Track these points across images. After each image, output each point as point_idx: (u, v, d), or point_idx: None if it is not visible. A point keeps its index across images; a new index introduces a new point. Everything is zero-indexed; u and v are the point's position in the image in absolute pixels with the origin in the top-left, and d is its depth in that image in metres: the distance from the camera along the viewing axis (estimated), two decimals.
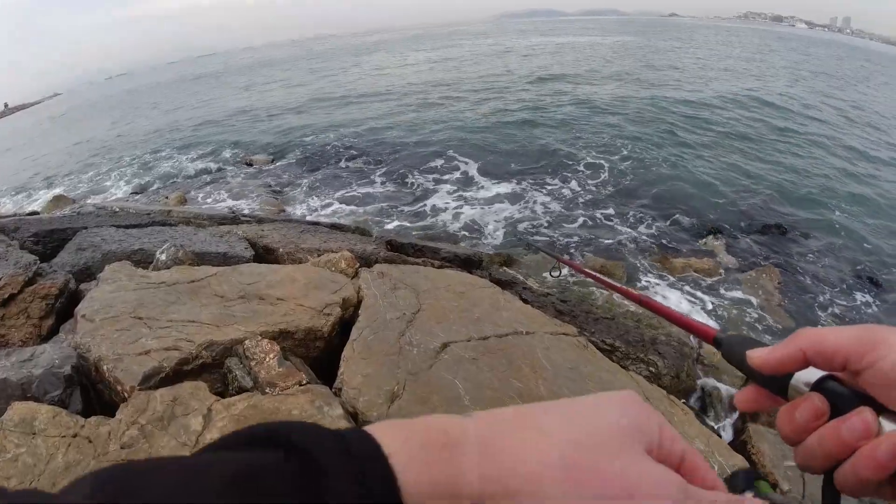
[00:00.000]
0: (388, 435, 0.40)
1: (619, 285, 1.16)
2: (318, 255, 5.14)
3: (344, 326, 3.50)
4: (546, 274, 7.05)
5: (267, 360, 2.45)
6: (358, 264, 4.75)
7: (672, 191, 11.46)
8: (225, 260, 4.46)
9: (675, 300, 7.51)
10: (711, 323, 7.13)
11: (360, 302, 3.82)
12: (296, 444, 0.38)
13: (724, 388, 5.35)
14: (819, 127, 17.98)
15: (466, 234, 9.81)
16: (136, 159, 17.92)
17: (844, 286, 8.40)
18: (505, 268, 6.83)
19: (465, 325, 3.70)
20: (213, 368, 2.55)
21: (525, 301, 4.84)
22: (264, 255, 5.24)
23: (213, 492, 0.33)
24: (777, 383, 0.54)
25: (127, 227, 5.38)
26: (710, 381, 5.54)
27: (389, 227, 10.11)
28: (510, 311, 4.13)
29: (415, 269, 4.72)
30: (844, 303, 8.02)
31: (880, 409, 0.46)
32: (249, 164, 15.20)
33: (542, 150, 14.66)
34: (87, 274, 4.05)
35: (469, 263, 6.36)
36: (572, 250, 8.84)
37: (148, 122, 26.48)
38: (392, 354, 2.99)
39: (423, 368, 2.95)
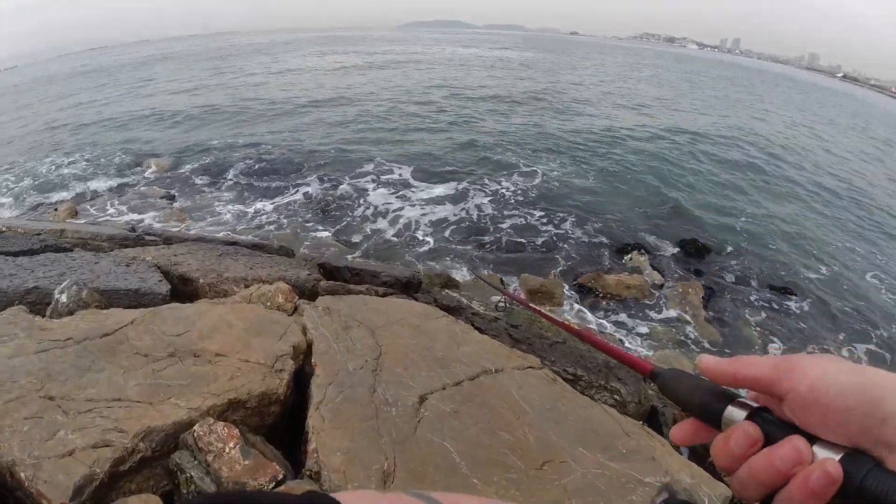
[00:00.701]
0: None
1: (561, 321, 1.12)
2: (246, 286, 4.55)
3: (294, 376, 3.02)
4: (494, 297, 6.81)
5: (227, 450, 1.93)
6: (296, 297, 4.23)
7: (592, 207, 11.68)
8: (137, 298, 3.79)
9: (611, 320, 7.55)
10: (643, 352, 7.23)
11: (309, 346, 3.34)
12: None
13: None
14: (719, 146, 19.07)
15: (401, 247, 9.47)
16: (18, 165, 15.88)
17: (759, 295, 8.87)
18: (447, 290, 6.47)
19: (433, 367, 3.35)
20: (155, 461, 1.99)
21: (480, 330, 4.55)
22: (181, 286, 4.56)
23: None
24: (711, 415, 0.55)
25: (16, 254, 4.54)
26: (658, 404, 5.52)
27: (318, 237, 9.55)
28: (470, 345, 3.84)
29: (362, 301, 4.25)
30: (763, 311, 8.46)
31: (812, 439, 0.47)
32: (148, 171, 13.87)
33: (471, 161, 14.59)
34: None
35: (409, 286, 5.99)
36: (511, 267, 8.70)
37: (33, 122, 23.80)
38: (369, 419, 2.54)
39: (408, 434, 2.53)
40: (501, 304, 4.37)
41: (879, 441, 0.44)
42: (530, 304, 1.67)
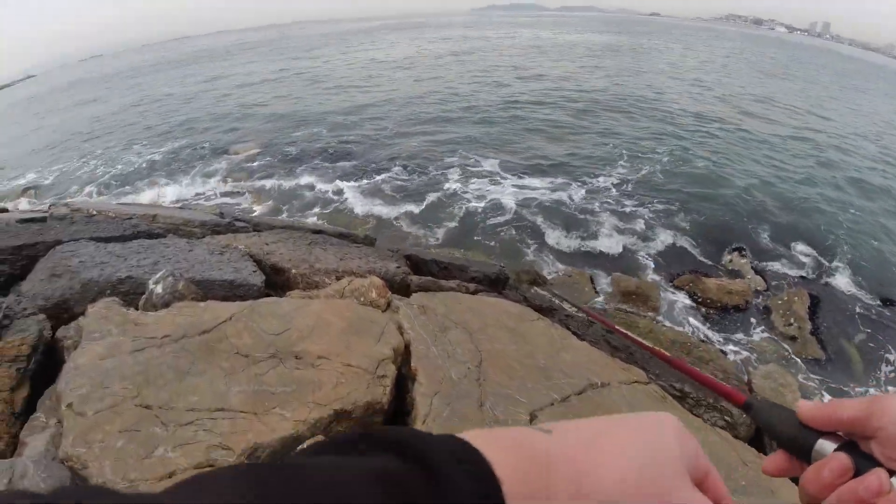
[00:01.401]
0: (487, 447, 0.42)
1: (649, 345, 1.06)
2: (338, 278, 4.42)
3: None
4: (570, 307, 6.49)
5: None
6: (388, 292, 4.04)
7: (690, 205, 10.93)
8: (233, 289, 3.69)
9: (712, 328, 7.05)
10: (748, 354, 6.66)
11: (406, 346, 3.14)
12: (415, 453, 0.39)
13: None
14: (825, 144, 17.63)
15: (486, 238, 9.27)
16: (109, 150, 16.71)
17: (869, 306, 8.14)
18: (536, 287, 6.17)
19: (537, 378, 3.12)
20: None
21: (577, 335, 4.26)
22: (273, 276, 4.48)
23: (363, 492, 0.34)
24: (802, 448, 0.57)
25: (107, 239, 4.55)
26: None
27: (402, 224, 9.53)
28: (571, 353, 3.60)
29: (455, 300, 4.04)
30: (872, 324, 7.78)
31: (893, 473, 0.50)
32: (234, 157, 14.20)
33: (561, 153, 14.09)
34: (64, 309, 3.24)
35: (497, 282, 5.76)
36: (603, 265, 8.27)
37: (123, 109, 25.06)
38: None
39: None
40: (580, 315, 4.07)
41: None
42: (616, 327, 1.41)
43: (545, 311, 5.10)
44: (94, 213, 6.62)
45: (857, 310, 7.99)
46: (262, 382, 2.21)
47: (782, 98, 25.48)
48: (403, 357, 3.07)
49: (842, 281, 8.64)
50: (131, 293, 3.46)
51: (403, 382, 2.92)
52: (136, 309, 3.22)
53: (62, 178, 14.33)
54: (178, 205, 10.03)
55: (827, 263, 9.08)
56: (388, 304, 3.87)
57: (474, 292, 4.86)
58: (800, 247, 9.36)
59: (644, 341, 1.11)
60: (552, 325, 4.03)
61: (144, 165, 14.41)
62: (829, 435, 0.55)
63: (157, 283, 3.34)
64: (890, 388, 6.69)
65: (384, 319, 3.33)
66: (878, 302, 8.23)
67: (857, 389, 6.52)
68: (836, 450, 0.54)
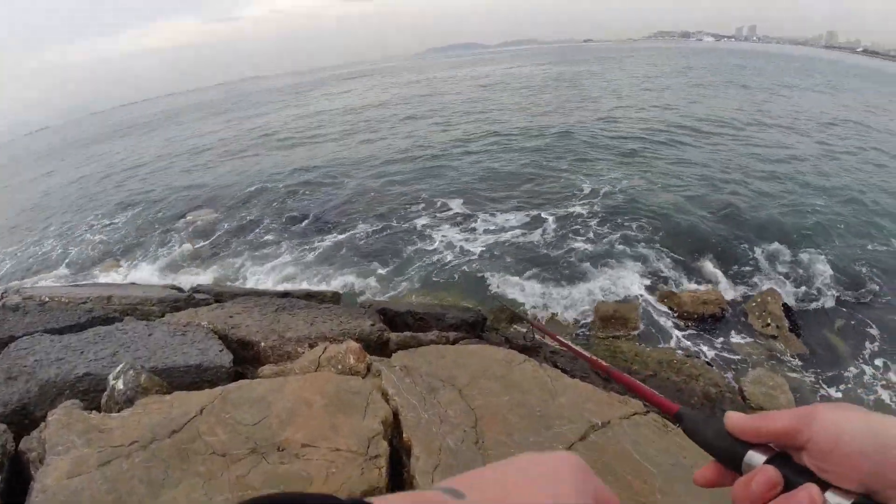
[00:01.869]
0: None
1: (589, 355, 1.04)
2: (311, 346, 4.20)
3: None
4: (519, 327, 6.37)
5: None
6: (367, 356, 3.84)
7: (656, 221, 11.02)
8: (200, 374, 3.45)
9: (693, 340, 7.04)
10: (735, 358, 6.64)
11: (394, 414, 2.96)
12: None
13: None
14: (771, 142, 18.29)
15: (457, 280, 9.12)
16: (63, 226, 16.20)
17: (841, 295, 8.28)
18: (515, 326, 6.05)
19: (537, 429, 3.01)
20: None
21: (566, 372, 4.17)
22: (241, 351, 4.22)
23: None
24: (733, 459, 0.57)
25: (62, 330, 4.27)
26: None
27: (370, 277, 9.30)
28: (566, 395, 3.50)
29: (438, 354, 3.88)
30: (847, 312, 7.87)
31: (825, 486, 0.49)
32: (190, 224, 13.83)
33: (520, 184, 14.16)
34: (24, 415, 3.00)
35: (476, 326, 5.64)
36: (578, 292, 8.22)
37: (74, 181, 24.46)
38: None
39: None
40: (529, 336, 3.98)
41: (888, 485, 0.47)
42: (557, 337, 1.50)
43: (530, 350, 4.99)
44: (47, 299, 6.24)
45: (831, 296, 8.14)
46: (246, 486, 2.00)
47: (721, 105, 26.41)
48: (393, 427, 2.88)
49: (810, 271, 8.79)
50: (91, 391, 3.21)
51: (396, 455, 2.74)
52: (99, 410, 2.97)
53: (15, 261, 13.74)
54: (135, 281, 9.63)
55: (793, 258, 9.21)
56: (369, 368, 3.68)
57: (454, 341, 4.71)
58: (765, 246, 9.48)
59: (583, 351, 1.10)
60: (541, 367, 3.89)
61: (99, 241, 13.89)
62: (761, 447, 0.55)
63: (117, 378, 3.09)
64: (877, 360, 6.79)
65: (367, 388, 3.14)
66: (849, 285, 8.41)
67: (846, 374, 6.57)
68: (766, 462, 0.53)
